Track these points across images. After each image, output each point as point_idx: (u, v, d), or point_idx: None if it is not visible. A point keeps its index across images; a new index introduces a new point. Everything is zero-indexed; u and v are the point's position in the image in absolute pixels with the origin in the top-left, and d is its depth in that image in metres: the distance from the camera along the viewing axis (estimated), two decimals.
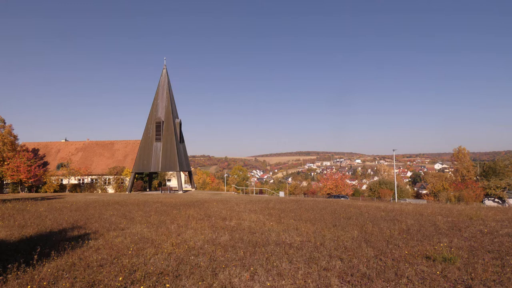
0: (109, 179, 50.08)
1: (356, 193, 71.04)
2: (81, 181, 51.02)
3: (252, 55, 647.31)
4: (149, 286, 6.10)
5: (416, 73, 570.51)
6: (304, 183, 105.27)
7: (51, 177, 47.91)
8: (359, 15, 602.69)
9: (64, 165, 50.92)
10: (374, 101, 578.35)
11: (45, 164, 53.00)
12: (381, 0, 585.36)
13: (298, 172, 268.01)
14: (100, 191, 48.39)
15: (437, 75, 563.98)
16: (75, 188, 49.10)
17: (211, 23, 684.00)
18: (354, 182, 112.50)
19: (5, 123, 45.88)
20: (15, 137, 46.40)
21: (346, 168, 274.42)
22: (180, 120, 44.56)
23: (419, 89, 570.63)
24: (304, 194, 73.65)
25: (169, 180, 58.91)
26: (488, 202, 51.21)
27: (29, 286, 5.94)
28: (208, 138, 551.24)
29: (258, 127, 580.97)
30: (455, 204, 28.32)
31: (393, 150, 47.84)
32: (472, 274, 6.59)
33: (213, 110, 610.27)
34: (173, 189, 43.45)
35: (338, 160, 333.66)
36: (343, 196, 48.61)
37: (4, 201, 22.90)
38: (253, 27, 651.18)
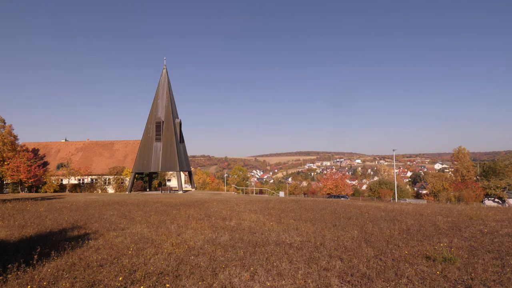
0: (109, 179, 50.08)
1: (356, 193, 71.03)
2: (81, 181, 51.08)
3: (252, 55, 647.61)
4: (149, 286, 6.10)
5: (416, 73, 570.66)
6: (304, 183, 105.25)
7: (51, 177, 47.99)
8: (359, 15, 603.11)
9: (64, 165, 50.93)
10: (374, 101, 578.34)
11: (45, 164, 53.02)
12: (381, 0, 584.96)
13: (298, 172, 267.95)
14: (100, 191, 48.37)
15: (437, 75, 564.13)
16: (75, 188, 49.13)
17: (211, 23, 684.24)
18: (354, 182, 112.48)
19: (5, 123, 45.86)
20: (15, 137, 46.37)
21: (346, 168, 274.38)
22: (180, 120, 44.52)
23: (419, 89, 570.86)
24: (304, 194, 73.63)
25: (169, 180, 59.04)
26: (488, 202, 51.22)
27: (29, 286, 5.94)
28: (208, 138, 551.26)
29: (258, 127, 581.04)
30: (455, 204, 28.33)
31: (393, 150, 47.85)
32: (472, 274, 6.59)
33: (213, 110, 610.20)
34: (173, 189, 43.38)
35: (338, 160, 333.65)
36: (343, 196, 48.61)
37: (4, 201, 22.78)
38: (253, 27, 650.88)
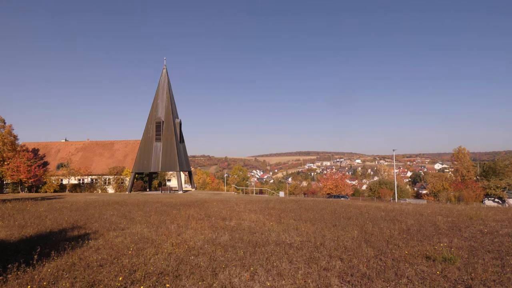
0: (109, 179, 50.05)
1: (356, 193, 71.03)
2: (81, 181, 51.10)
3: (252, 55, 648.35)
4: (149, 286, 6.10)
5: (416, 73, 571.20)
6: (304, 183, 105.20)
7: (51, 177, 47.94)
8: (359, 15, 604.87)
9: (64, 165, 50.94)
10: (374, 101, 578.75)
11: (45, 164, 52.98)
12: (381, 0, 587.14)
13: (298, 172, 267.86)
14: (100, 191, 48.37)
15: (437, 75, 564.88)
16: (75, 188, 49.11)
17: (211, 23, 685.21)
18: (354, 182, 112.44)
19: (5, 123, 45.73)
20: (15, 137, 46.25)
21: (346, 168, 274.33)
22: (180, 120, 44.55)
23: (419, 89, 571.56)
24: (304, 194, 73.63)
25: (169, 180, 59.10)
26: (488, 202, 51.22)
27: (29, 286, 5.95)
28: (208, 138, 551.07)
29: (258, 127, 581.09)
30: (455, 204, 28.35)
31: (393, 150, 47.86)
32: (472, 274, 6.59)
33: (213, 110, 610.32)
34: (173, 189, 43.46)
35: (338, 160, 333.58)
36: (343, 196, 48.60)
37: (4, 201, 22.82)
38: (253, 27, 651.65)
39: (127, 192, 41.42)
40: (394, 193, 50.67)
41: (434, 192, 59.81)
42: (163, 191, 41.80)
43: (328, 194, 61.62)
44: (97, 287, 6.02)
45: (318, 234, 10.66)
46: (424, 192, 71.65)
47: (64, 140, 60.50)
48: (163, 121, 42.38)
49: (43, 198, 27.31)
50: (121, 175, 48.91)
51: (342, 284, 6.21)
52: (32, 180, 44.74)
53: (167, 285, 6.11)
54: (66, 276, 6.54)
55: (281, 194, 50.10)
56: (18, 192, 45.64)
